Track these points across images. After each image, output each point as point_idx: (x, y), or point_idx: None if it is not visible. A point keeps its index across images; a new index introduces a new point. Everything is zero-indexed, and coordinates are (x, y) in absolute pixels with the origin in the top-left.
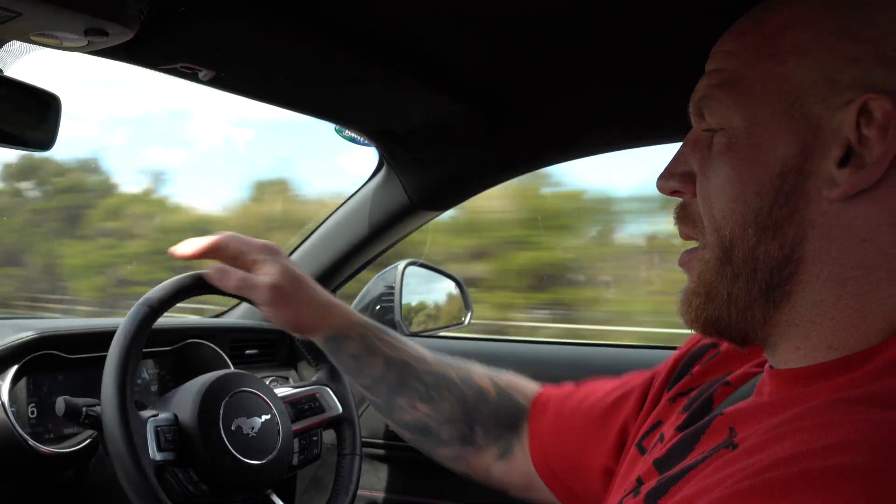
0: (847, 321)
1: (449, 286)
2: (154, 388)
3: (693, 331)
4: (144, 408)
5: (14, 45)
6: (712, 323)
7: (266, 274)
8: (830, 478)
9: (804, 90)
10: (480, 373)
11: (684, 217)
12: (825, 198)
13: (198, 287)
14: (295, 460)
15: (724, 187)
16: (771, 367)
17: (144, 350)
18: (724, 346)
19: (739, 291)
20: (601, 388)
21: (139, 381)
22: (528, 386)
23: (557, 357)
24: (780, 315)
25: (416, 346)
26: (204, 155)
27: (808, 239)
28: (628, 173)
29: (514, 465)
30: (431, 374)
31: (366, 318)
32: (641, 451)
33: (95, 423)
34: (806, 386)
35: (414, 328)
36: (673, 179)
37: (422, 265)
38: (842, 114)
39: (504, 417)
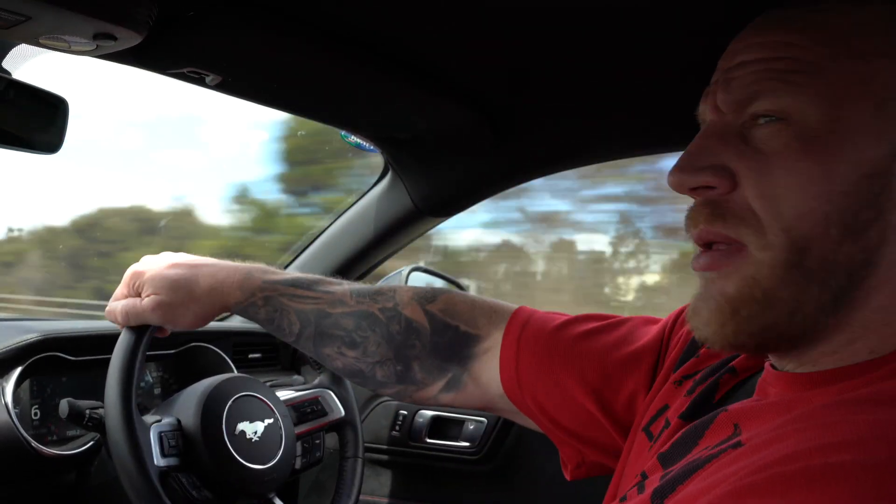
0: None
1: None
2: (157, 391)
3: (717, 345)
4: (147, 411)
5: (22, 49)
6: (757, 334)
7: (146, 296)
8: (832, 475)
9: (893, 92)
10: (410, 302)
11: (723, 216)
12: None
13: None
14: (298, 464)
15: (802, 185)
16: (774, 368)
17: (148, 353)
18: None
19: (810, 296)
20: (600, 333)
21: (142, 385)
22: (471, 309)
23: None
24: (836, 320)
25: (335, 288)
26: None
27: (888, 243)
28: None
29: (465, 394)
30: (351, 315)
31: (272, 276)
32: (649, 436)
33: (99, 425)
34: (813, 388)
35: None
36: (704, 174)
37: (426, 271)
38: None
39: (444, 349)
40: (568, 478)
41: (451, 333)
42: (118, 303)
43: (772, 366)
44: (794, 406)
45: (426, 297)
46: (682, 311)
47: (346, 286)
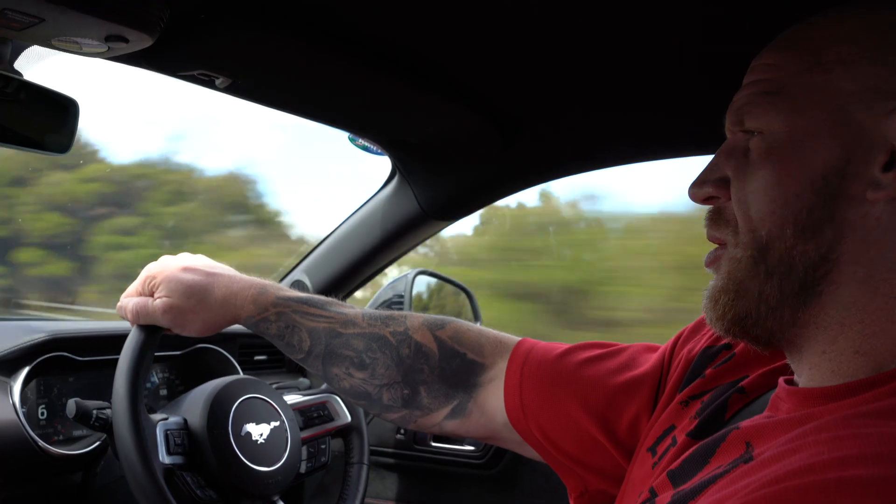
0: (876, 325)
1: (457, 295)
2: (163, 392)
3: (716, 330)
4: (154, 412)
5: (33, 50)
6: (738, 321)
7: (159, 297)
8: (847, 489)
9: (848, 98)
10: (420, 328)
11: (718, 220)
12: (868, 199)
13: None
14: (303, 468)
15: (763, 189)
16: (788, 383)
17: (155, 354)
18: (739, 348)
19: (772, 290)
20: (602, 360)
21: (148, 385)
22: (478, 338)
23: None
24: (809, 316)
25: (347, 310)
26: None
27: (846, 240)
28: None
29: (469, 422)
30: (362, 337)
31: (286, 293)
32: (654, 455)
33: (105, 425)
34: (824, 403)
35: None
36: (707, 186)
37: (431, 274)
38: (888, 121)
39: (451, 376)
40: None
41: (459, 361)
42: (130, 300)
43: (785, 381)
44: (806, 421)
45: (436, 323)
46: (682, 335)
47: (357, 309)
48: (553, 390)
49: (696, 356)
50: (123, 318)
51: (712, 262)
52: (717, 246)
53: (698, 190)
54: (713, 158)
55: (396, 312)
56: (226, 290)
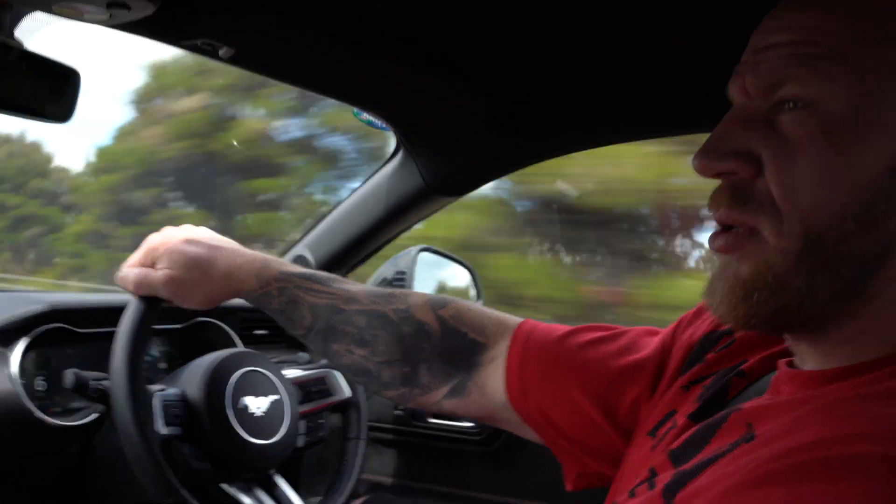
0: None
1: (460, 272)
2: (162, 365)
3: (734, 324)
4: (153, 384)
5: (34, 19)
6: (769, 317)
7: (161, 268)
8: (852, 465)
9: None
10: (422, 306)
11: (744, 201)
12: None
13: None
14: (300, 442)
15: (819, 175)
16: (790, 366)
17: (154, 327)
18: (740, 334)
19: (821, 285)
20: (604, 342)
21: (148, 359)
22: (480, 318)
23: None
24: (847, 310)
25: (349, 287)
26: None
27: None
28: None
29: (468, 401)
30: (364, 313)
31: (289, 268)
32: (653, 438)
33: (103, 396)
34: (827, 384)
35: None
36: (728, 159)
37: (434, 251)
38: None
39: (451, 355)
40: (569, 488)
41: (460, 340)
42: (131, 270)
43: (787, 364)
44: (808, 402)
45: (438, 302)
46: (683, 320)
47: (360, 286)
48: (554, 372)
49: (697, 341)
50: (124, 288)
51: (731, 247)
52: (720, 228)
53: (716, 163)
54: (724, 125)
55: (399, 290)
56: (229, 264)
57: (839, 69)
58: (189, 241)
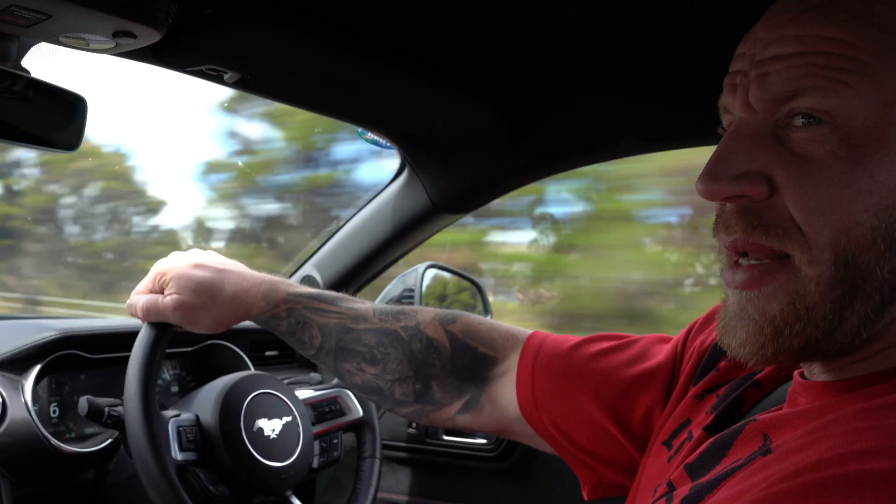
0: None
1: (468, 289)
2: (174, 388)
3: (755, 364)
4: (165, 408)
5: (41, 48)
6: (798, 351)
7: (169, 294)
8: (867, 482)
9: None
10: (431, 322)
11: (758, 225)
12: None
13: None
14: (315, 463)
15: (849, 196)
16: (802, 377)
17: (165, 351)
18: None
19: (854, 311)
20: (614, 352)
21: (160, 382)
22: (489, 332)
23: None
24: (873, 331)
25: (357, 305)
26: None
27: None
28: None
29: (481, 416)
30: (373, 332)
31: (296, 289)
32: (669, 449)
33: (118, 423)
34: (842, 394)
35: None
36: (739, 183)
37: (441, 268)
38: None
39: (462, 370)
40: (586, 497)
41: (471, 355)
42: (140, 297)
43: (801, 375)
44: (824, 413)
45: (447, 318)
46: (693, 326)
47: (368, 304)
48: (565, 383)
49: (708, 348)
50: (133, 315)
51: (757, 282)
52: (736, 256)
53: (726, 187)
54: (729, 143)
55: (407, 307)
56: (236, 287)
57: (860, 82)
58: (196, 266)
